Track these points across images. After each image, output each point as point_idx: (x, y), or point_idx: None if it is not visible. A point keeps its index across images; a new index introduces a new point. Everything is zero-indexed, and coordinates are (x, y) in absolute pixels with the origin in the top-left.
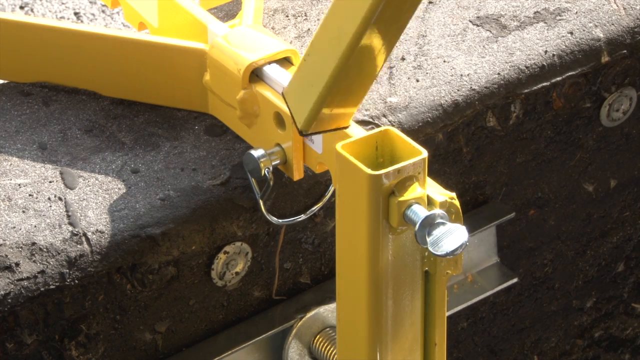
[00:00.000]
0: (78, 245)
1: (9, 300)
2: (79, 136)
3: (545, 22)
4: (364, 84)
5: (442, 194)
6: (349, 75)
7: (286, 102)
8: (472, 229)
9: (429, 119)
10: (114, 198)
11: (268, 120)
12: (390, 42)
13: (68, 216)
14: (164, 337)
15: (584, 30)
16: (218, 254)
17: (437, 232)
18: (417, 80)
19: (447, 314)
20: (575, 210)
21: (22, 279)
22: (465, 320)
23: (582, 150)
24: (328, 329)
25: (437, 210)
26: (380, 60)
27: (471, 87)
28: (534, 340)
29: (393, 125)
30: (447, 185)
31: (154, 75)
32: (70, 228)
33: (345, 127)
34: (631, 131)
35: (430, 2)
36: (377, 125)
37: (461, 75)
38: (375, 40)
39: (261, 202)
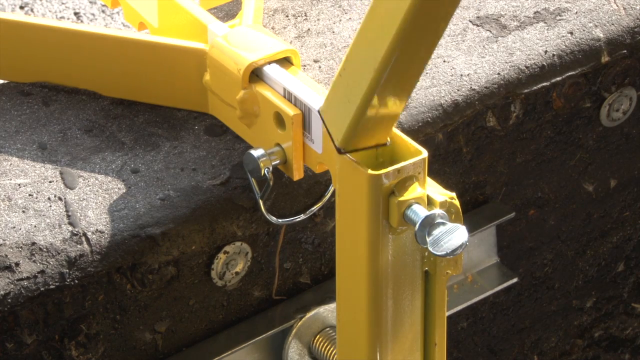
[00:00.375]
0: (78, 245)
1: (9, 300)
2: (79, 136)
3: (545, 22)
4: (402, 95)
5: (442, 193)
6: (387, 87)
7: (322, 120)
8: (472, 229)
9: (429, 119)
10: (114, 198)
11: (268, 120)
12: (428, 50)
13: (68, 216)
14: (164, 337)
15: (584, 30)
16: (218, 254)
17: (437, 232)
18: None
19: (447, 314)
20: (575, 210)
21: (22, 279)
22: (465, 320)
23: (582, 150)
24: (328, 329)
25: (437, 210)
26: (418, 70)
27: (471, 87)
28: (534, 340)
29: None
30: (447, 185)
31: (154, 75)
32: (70, 228)
33: (384, 144)
34: (631, 131)
35: None
36: None
37: (461, 75)
38: (412, 49)
39: (261, 202)
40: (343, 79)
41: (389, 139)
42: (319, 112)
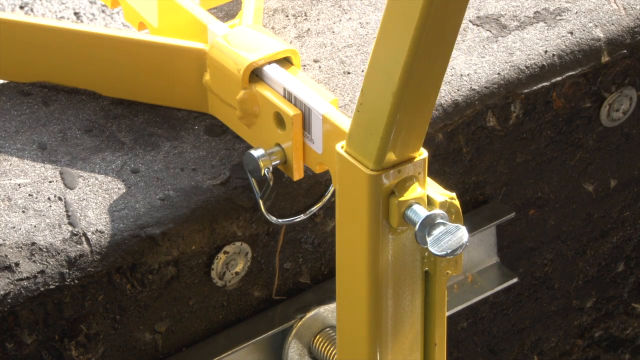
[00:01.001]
0: (78, 245)
1: (9, 300)
2: (79, 136)
3: (545, 22)
4: (424, 112)
5: (442, 194)
6: (407, 112)
7: (348, 155)
8: (472, 229)
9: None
10: (114, 198)
11: (268, 120)
12: (443, 62)
13: (68, 216)
14: (164, 337)
15: (584, 30)
16: (218, 254)
17: (437, 232)
18: None
19: (447, 314)
20: (575, 210)
21: (22, 279)
22: (465, 320)
23: (582, 150)
24: (328, 329)
25: (437, 211)
26: (435, 85)
27: (471, 87)
28: (534, 340)
29: None
30: (447, 185)
31: (154, 75)
32: (70, 228)
33: (414, 158)
34: (631, 131)
35: None
36: None
37: (461, 75)
38: (425, 69)
39: (261, 202)
40: (362, 114)
41: (421, 150)
42: (344, 149)
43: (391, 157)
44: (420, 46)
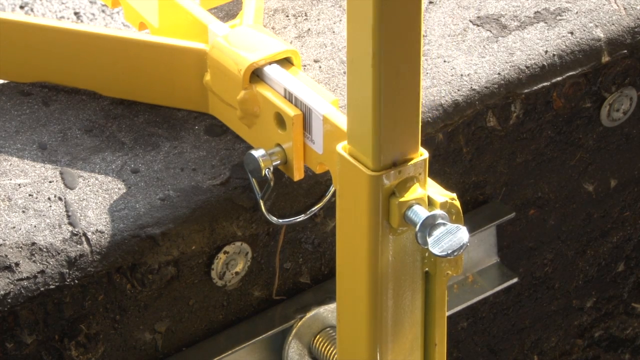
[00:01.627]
0: (78, 245)
1: (9, 300)
2: (79, 136)
3: (546, 22)
4: (411, 110)
5: (442, 194)
6: (391, 109)
7: (349, 156)
8: (472, 229)
9: (429, 119)
10: (114, 198)
11: (268, 120)
12: (412, 58)
13: (68, 216)
14: (164, 337)
15: (584, 30)
16: (218, 254)
17: (437, 233)
18: None
19: (447, 314)
20: (575, 210)
21: (22, 279)
22: (465, 320)
23: (582, 150)
24: (328, 329)
25: (438, 211)
26: (412, 79)
27: (471, 87)
28: (534, 340)
29: None
30: (447, 185)
31: (154, 75)
32: (70, 228)
33: (414, 158)
34: (631, 131)
35: (430, 2)
36: None
37: (461, 75)
38: (394, 60)
39: (261, 202)
40: (352, 115)
41: (420, 149)
42: (344, 151)
43: (390, 157)
44: (381, 41)
